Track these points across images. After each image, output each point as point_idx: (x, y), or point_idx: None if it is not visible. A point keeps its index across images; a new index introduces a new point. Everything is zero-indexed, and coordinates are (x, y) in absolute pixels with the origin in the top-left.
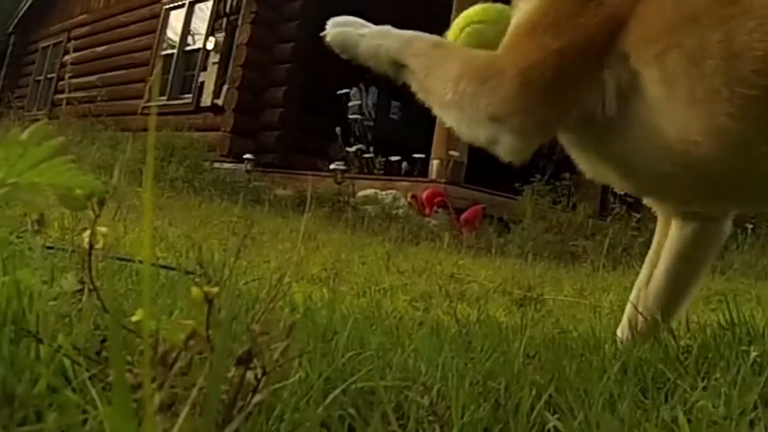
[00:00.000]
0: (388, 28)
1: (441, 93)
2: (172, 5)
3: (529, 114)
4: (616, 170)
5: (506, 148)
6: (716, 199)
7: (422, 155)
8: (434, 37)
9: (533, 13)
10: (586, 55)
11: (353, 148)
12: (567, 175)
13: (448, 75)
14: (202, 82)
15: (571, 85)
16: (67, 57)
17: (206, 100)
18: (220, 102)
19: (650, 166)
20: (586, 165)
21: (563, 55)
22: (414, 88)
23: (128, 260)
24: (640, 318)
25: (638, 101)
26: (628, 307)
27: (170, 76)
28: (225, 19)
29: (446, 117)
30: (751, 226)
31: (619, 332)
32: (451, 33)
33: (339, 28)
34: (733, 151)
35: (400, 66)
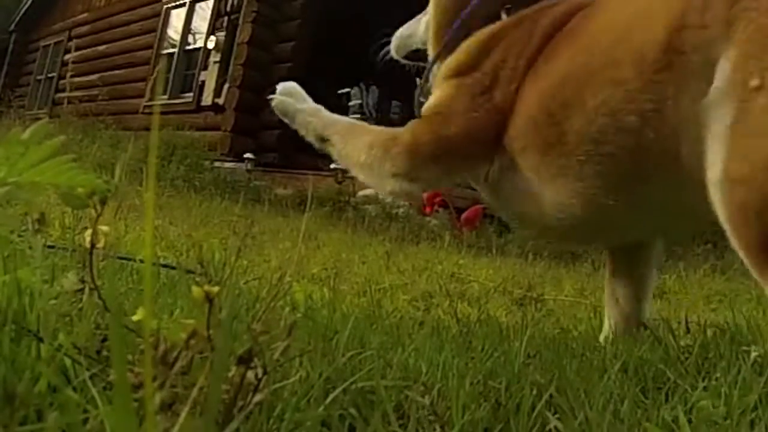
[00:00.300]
0: (319, 108)
1: (356, 156)
2: (173, 4)
3: (417, 174)
4: (517, 220)
5: (403, 193)
6: (604, 240)
7: None
8: (352, 120)
9: (437, 102)
10: (477, 141)
11: None
12: None
13: (363, 144)
14: (203, 81)
15: (456, 160)
16: (68, 56)
17: (207, 99)
18: (220, 101)
19: (542, 222)
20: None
21: (450, 140)
22: (334, 156)
23: (129, 259)
24: (623, 304)
25: (520, 179)
26: (608, 297)
27: (171, 75)
28: (226, 18)
29: (360, 174)
30: None
31: (606, 325)
32: None
33: (283, 98)
34: (593, 206)
35: (324, 140)
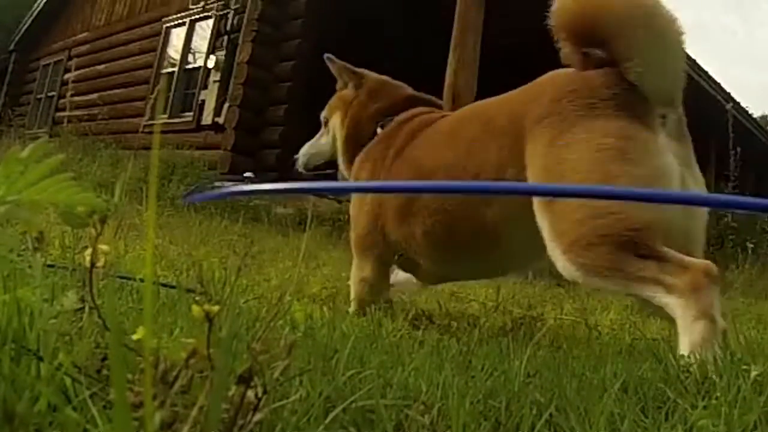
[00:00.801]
0: None
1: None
2: (173, 23)
3: (368, 269)
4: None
5: (374, 286)
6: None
7: None
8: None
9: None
10: (372, 233)
11: None
12: None
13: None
14: (203, 101)
15: (371, 248)
16: (68, 75)
17: (207, 118)
18: (220, 120)
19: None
20: None
21: (362, 236)
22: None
23: (129, 278)
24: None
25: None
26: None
27: (171, 95)
28: (226, 38)
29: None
30: (751, 246)
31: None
32: None
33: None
34: (449, 264)
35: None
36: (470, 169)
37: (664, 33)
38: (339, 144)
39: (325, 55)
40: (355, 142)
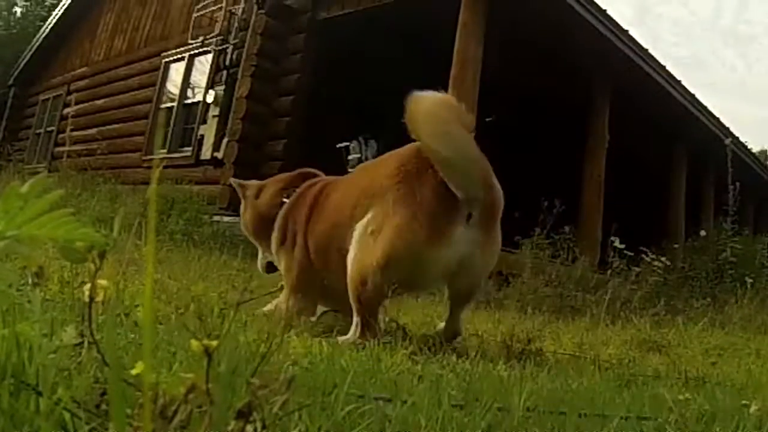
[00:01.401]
0: None
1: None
2: (172, 58)
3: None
4: None
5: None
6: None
7: None
8: None
9: (283, 265)
10: (305, 267)
11: None
12: (567, 228)
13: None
14: (202, 135)
15: (308, 282)
16: (67, 110)
17: (206, 153)
18: (219, 155)
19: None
20: None
21: (297, 277)
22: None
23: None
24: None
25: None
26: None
27: (170, 129)
28: (225, 72)
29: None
30: (750, 280)
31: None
32: None
33: None
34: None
35: None
36: (344, 210)
37: (460, 150)
38: (250, 236)
39: (230, 180)
40: (261, 222)
